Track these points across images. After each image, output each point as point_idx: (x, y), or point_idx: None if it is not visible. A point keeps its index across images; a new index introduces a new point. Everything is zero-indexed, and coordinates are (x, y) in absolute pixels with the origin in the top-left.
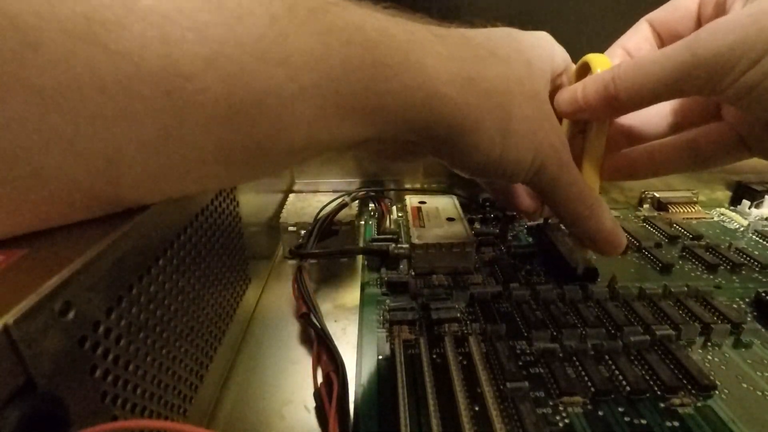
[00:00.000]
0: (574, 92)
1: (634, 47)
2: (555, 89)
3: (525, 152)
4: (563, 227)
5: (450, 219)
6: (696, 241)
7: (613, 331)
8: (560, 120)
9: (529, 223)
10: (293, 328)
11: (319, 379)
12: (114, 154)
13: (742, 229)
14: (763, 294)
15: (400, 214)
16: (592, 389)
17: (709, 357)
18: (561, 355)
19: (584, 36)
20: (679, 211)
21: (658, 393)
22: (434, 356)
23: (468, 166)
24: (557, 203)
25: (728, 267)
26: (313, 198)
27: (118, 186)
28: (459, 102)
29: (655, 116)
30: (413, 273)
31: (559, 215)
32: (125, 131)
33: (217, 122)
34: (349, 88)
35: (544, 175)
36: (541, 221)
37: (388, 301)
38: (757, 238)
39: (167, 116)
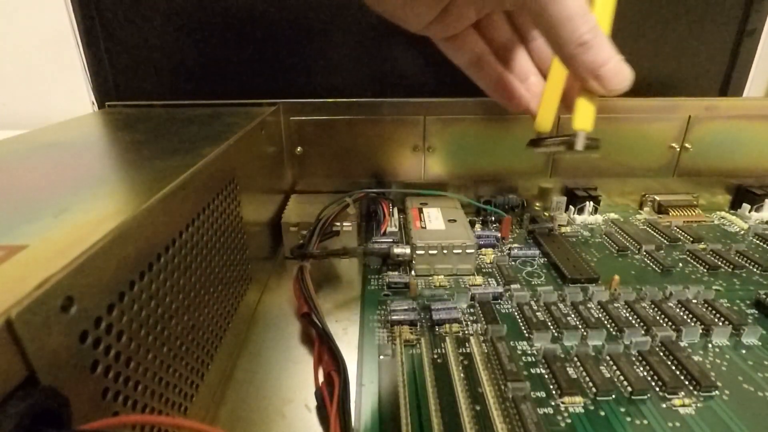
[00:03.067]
0: None
1: None
2: None
3: None
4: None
5: (451, 220)
6: (696, 244)
7: (614, 333)
8: None
9: (530, 227)
10: (294, 327)
11: (321, 379)
12: None
13: (742, 232)
14: (764, 296)
15: (401, 216)
16: (594, 389)
17: (710, 358)
18: (562, 355)
19: None
20: (680, 215)
21: (660, 393)
22: (435, 356)
23: None
24: (548, 30)
25: (729, 269)
26: (314, 198)
27: None
28: None
29: None
30: (414, 274)
31: (553, 47)
32: None
33: None
34: None
35: None
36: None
37: (389, 301)
38: (758, 241)
39: None
